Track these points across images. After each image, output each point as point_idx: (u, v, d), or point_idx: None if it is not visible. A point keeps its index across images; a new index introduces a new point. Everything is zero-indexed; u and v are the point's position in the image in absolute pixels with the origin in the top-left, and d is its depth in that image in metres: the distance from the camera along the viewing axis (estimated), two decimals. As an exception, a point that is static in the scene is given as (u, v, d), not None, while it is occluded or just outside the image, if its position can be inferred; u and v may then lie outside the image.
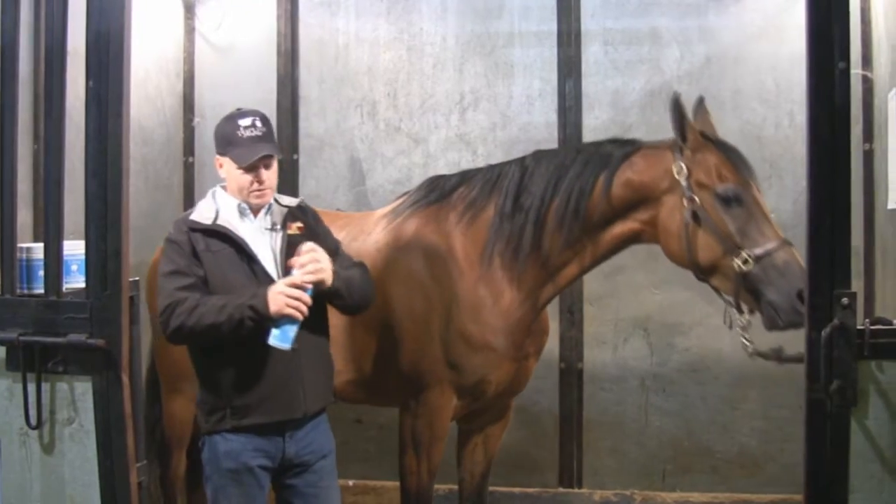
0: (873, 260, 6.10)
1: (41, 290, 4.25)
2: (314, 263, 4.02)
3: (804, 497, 3.67)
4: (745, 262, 4.38)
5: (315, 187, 7.03)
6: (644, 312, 6.68)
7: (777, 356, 4.58)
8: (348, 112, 7.02)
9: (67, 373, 4.11)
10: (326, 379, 4.43)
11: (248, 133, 4.24)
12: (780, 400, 6.43)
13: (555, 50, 6.73)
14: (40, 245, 4.28)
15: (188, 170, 7.17)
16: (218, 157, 4.27)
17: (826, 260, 3.57)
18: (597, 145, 5.01)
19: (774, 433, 6.52)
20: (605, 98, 6.66)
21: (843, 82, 3.57)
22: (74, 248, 4.30)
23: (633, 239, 4.86)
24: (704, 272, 4.60)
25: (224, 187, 4.35)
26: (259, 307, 3.94)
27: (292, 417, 4.22)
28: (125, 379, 4.06)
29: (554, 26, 6.72)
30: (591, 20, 6.69)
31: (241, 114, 4.33)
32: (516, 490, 6.76)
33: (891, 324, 3.75)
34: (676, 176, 4.61)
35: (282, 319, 3.96)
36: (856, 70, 5.90)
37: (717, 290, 4.66)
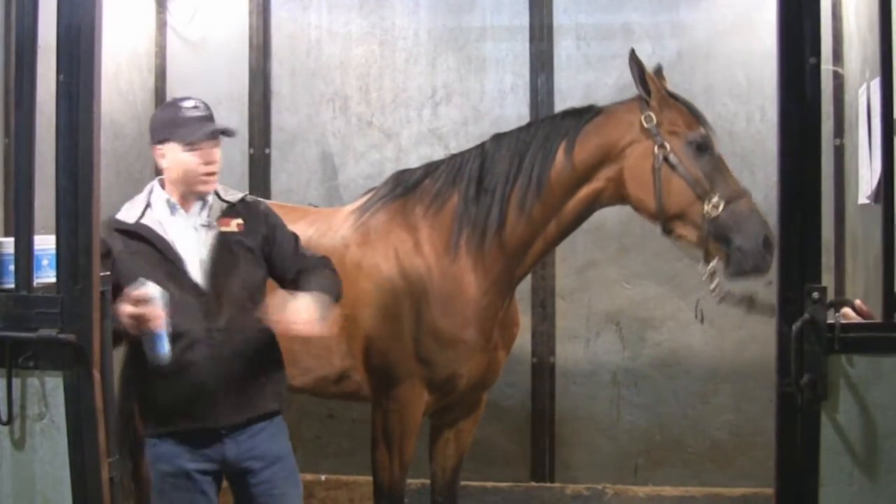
0: (844, 254, 6.15)
1: (11, 285, 4.23)
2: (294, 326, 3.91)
3: (775, 490, 3.69)
4: (715, 206, 4.46)
5: (287, 181, 7.01)
6: (616, 307, 6.70)
7: (747, 303, 4.64)
8: (320, 106, 7.01)
9: (38, 368, 4.08)
10: (263, 383, 4.28)
11: (194, 113, 4.16)
12: (751, 394, 6.47)
13: (527, 45, 6.74)
14: (11, 240, 4.25)
15: (159, 164, 7.14)
16: (158, 146, 4.17)
17: (797, 254, 3.58)
18: (553, 117, 5.07)
19: (745, 427, 6.55)
20: (577, 93, 6.66)
21: (813, 78, 3.59)
22: (45, 243, 4.27)
23: (595, 200, 4.90)
24: (672, 219, 4.68)
25: (162, 182, 4.27)
26: (115, 325, 3.91)
27: (213, 426, 4.15)
28: (96, 374, 4.03)
29: (526, 21, 6.73)
30: (563, 15, 6.70)
31: (183, 98, 4.26)
32: (488, 485, 6.76)
33: (853, 305, 3.78)
34: (646, 125, 4.71)
35: (150, 335, 3.88)
36: (826, 66, 5.93)
37: (680, 238, 4.72)
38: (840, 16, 6.21)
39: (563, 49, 6.72)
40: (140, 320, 3.81)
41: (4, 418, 4.10)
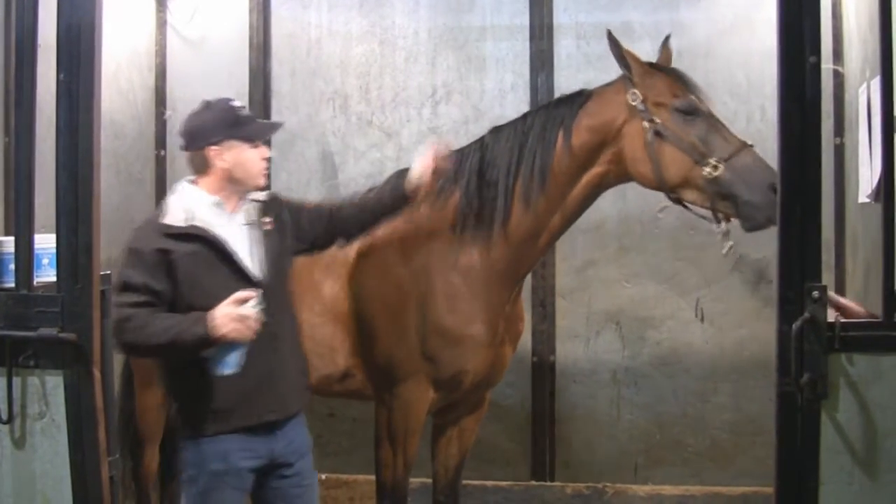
0: (844, 253, 6.15)
1: (12, 284, 4.23)
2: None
3: (775, 489, 3.70)
4: (715, 167, 4.42)
5: (287, 181, 7.00)
6: (616, 306, 6.70)
7: (757, 276, 4.62)
8: (320, 105, 7.01)
9: (38, 367, 4.08)
10: (303, 374, 4.38)
11: (245, 112, 4.24)
12: (751, 393, 6.47)
13: (527, 44, 6.74)
14: (11, 239, 4.26)
15: (160, 163, 7.13)
16: (214, 147, 4.11)
17: (797, 253, 3.59)
18: (547, 106, 5.05)
19: (745, 426, 6.56)
20: (577, 92, 6.67)
21: (813, 77, 3.59)
22: (45, 242, 4.28)
23: (599, 185, 4.87)
24: (676, 188, 4.62)
25: (193, 181, 4.22)
26: (203, 333, 3.82)
27: (276, 419, 4.16)
28: (96, 373, 4.04)
29: (526, 20, 6.73)
30: (563, 14, 6.70)
31: (225, 98, 4.28)
32: (488, 484, 6.77)
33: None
34: (632, 102, 4.68)
35: (227, 344, 3.87)
36: (826, 65, 5.93)
37: (691, 204, 4.66)
38: (840, 15, 6.21)
39: (564, 48, 6.72)
40: (242, 324, 3.83)
41: (5, 417, 4.11)
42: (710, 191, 4.48)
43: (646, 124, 4.62)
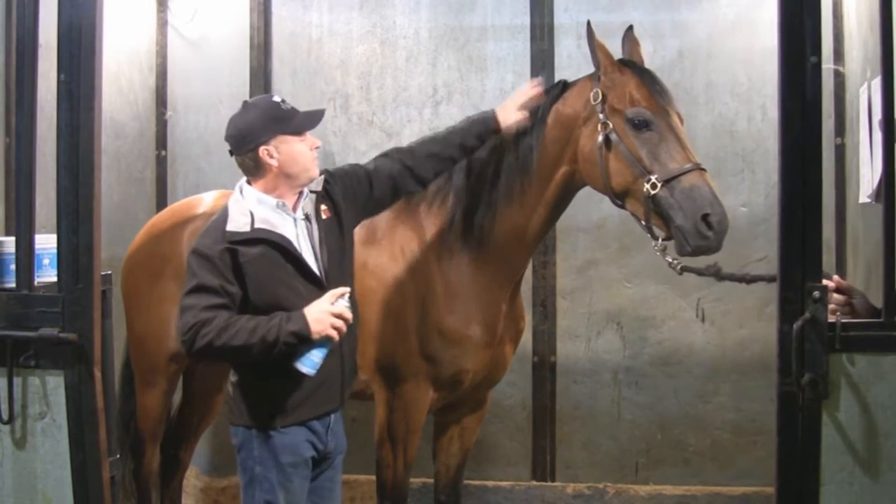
0: (845, 253, 6.14)
1: (13, 284, 4.23)
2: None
3: (776, 489, 3.70)
4: (654, 185, 4.35)
5: (287, 181, 7.01)
6: (617, 306, 6.69)
7: (715, 273, 4.58)
8: (321, 105, 6.97)
9: (39, 367, 4.09)
10: (353, 365, 4.46)
11: (287, 105, 4.19)
12: (752, 393, 6.47)
13: (528, 44, 6.73)
14: (12, 239, 4.26)
15: (160, 163, 7.14)
16: (264, 146, 4.05)
17: (797, 253, 3.58)
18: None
19: (746, 426, 6.56)
20: (578, 92, 6.66)
21: (814, 77, 3.59)
22: (46, 242, 4.28)
23: (568, 183, 4.80)
24: (619, 196, 4.56)
25: (250, 183, 4.17)
26: (300, 330, 3.83)
27: (333, 408, 4.27)
28: (97, 373, 4.04)
29: (527, 20, 6.72)
30: (564, 14, 6.70)
31: (266, 95, 4.59)
32: (489, 484, 6.77)
33: (830, 278, 3.79)
34: (593, 102, 4.61)
35: (315, 343, 3.89)
36: (827, 65, 5.93)
37: (633, 215, 4.60)
38: (841, 14, 6.20)
39: (564, 48, 6.71)
40: (338, 322, 3.90)
41: (6, 417, 4.11)
42: (647, 206, 4.43)
43: (599, 127, 4.55)
